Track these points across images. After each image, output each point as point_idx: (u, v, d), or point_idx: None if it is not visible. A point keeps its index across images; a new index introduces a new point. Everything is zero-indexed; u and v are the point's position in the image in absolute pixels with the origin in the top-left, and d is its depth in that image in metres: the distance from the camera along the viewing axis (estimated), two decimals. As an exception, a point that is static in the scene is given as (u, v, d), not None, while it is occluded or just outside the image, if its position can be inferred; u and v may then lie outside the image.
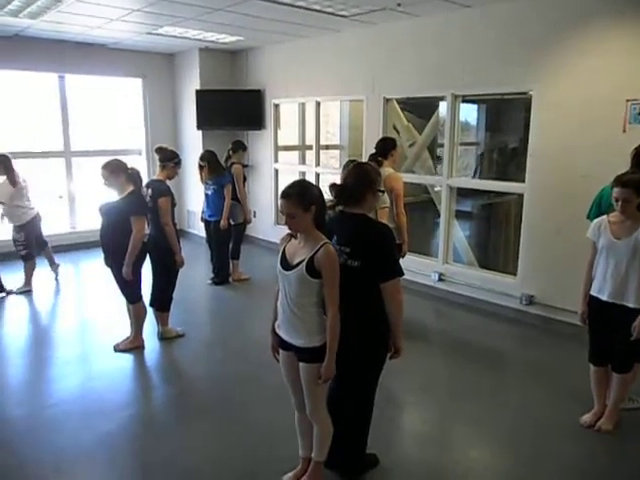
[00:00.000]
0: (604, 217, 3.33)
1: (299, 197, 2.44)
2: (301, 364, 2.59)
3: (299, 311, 2.53)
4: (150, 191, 4.62)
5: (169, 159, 4.83)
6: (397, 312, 2.67)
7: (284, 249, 2.61)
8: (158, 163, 4.89)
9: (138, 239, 4.31)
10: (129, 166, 4.42)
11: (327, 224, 2.62)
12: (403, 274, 2.67)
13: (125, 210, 4.29)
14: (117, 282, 4.50)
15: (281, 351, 2.72)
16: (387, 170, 4.66)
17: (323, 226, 2.55)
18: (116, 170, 4.30)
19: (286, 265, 2.55)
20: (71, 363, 4.55)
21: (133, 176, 4.41)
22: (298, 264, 2.48)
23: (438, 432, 3.56)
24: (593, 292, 3.38)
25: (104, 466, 3.16)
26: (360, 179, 2.75)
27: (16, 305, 5.85)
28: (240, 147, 6.73)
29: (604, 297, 3.30)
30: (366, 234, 2.69)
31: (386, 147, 4.85)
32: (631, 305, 3.20)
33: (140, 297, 4.61)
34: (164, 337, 4.92)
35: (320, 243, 2.47)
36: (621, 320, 3.24)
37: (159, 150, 4.93)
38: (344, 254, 2.65)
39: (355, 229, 2.71)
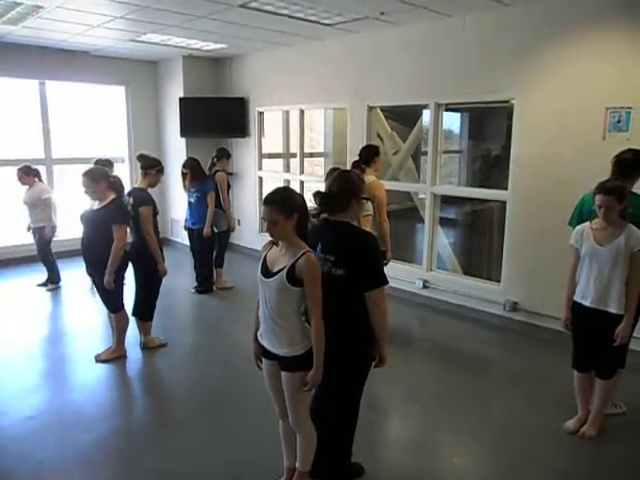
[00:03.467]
0: (587, 224, 3.36)
1: (281, 204, 2.42)
2: (283, 373, 2.57)
3: (280, 320, 2.50)
4: (131, 199, 4.57)
5: (151, 167, 4.78)
6: (382, 321, 2.66)
7: (265, 256, 2.59)
8: (140, 171, 4.84)
9: (119, 248, 4.26)
10: (111, 174, 4.38)
11: (311, 232, 2.60)
12: (388, 282, 2.66)
13: (107, 218, 4.24)
14: (98, 291, 4.46)
15: (264, 360, 2.68)
16: (369, 177, 4.66)
17: (305, 234, 2.53)
18: (98, 178, 4.25)
19: (266, 272, 2.52)
20: (52, 374, 4.48)
21: (115, 184, 4.37)
22: (278, 272, 2.46)
23: (423, 439, 3.55)
24: (576, 298, 3.40)
25: (85, 477, 3.10)
26: (344, 187, 2.72)
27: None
28: (224, 155, 6.70)
29: (587, 303, 3.32)
30: (351, 242, 2.67)
31: (369, 154, 4.86)
32: (614, 311, 3.22)
33: (122, 306, 4.56)
34: (146, 347, 4.86)
35: (301, 251, 2.44)
36: (604, 326, 3.26)
37: (141, 157, 4.90)
38: (328, 262, 2.63)
39: (340, 237, 2.69)
